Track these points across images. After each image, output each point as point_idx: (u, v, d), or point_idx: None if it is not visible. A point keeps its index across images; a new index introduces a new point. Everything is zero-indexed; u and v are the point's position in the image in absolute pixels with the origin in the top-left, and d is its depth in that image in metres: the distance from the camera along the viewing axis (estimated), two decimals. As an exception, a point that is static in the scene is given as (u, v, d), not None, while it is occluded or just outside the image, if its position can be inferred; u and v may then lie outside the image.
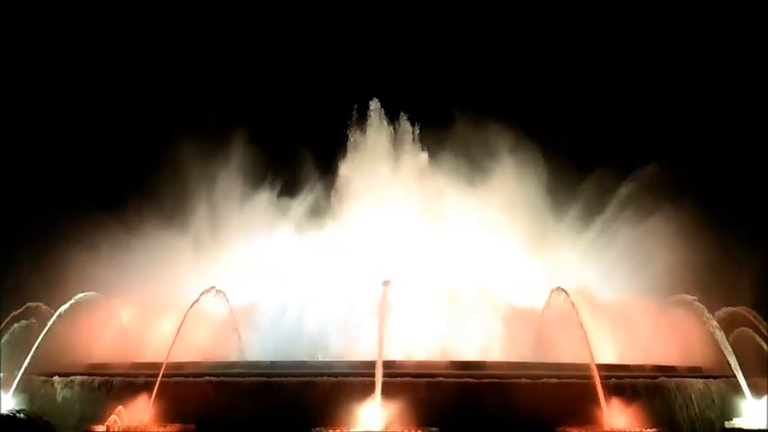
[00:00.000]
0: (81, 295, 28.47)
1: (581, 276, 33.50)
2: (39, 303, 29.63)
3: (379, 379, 21.20)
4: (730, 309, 29.34)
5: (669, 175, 36.93)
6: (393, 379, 22.88)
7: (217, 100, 42.22)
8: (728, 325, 28.24)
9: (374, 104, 38.66)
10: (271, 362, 25.79)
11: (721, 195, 37.06)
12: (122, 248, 35.01)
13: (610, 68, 45.21)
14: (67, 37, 44.20)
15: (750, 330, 28.27)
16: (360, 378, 22.63)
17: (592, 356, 22.97)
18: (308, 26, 47.54)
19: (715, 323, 26.65)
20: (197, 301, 25.47)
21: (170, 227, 36.72)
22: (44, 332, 27.07)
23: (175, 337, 24.00)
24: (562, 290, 26.27)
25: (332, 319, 29.51)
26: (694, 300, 28.00)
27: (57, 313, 27.55)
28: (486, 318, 30.27)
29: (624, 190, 37.72)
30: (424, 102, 39.10)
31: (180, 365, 24.59)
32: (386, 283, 24.63)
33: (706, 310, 27.19)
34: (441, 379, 23.71)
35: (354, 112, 38.54)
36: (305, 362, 26.02)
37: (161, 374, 22.91)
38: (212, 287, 26.79)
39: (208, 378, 24.01)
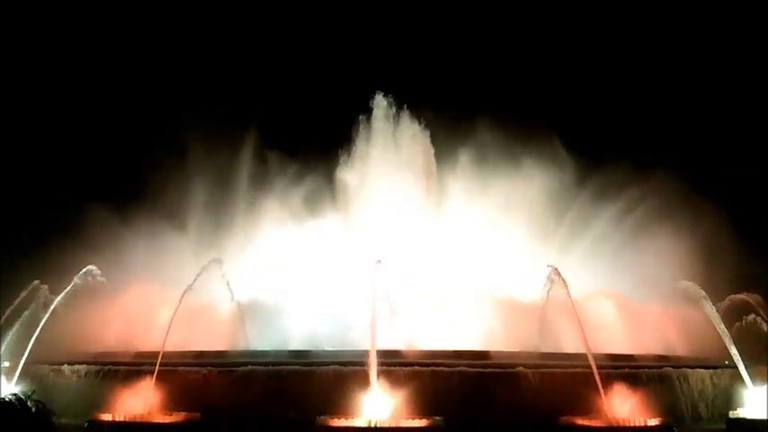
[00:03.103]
0: (83, 271, 28.50)
1: (584, 271, 33.73)
2: (42, 285, 29.49)
3: (373, 368, 21.24)
4: (736, 296, 29.25)
5: (674, 176, 36.90)
6: (397, 368, 23.20)
7: (219, 97, 42.33)
8: (734, 314, 28.21)
9: (379, 100, 38.78)
10: (275, 351, 25.89)
11: (725, 195, 37.10)
12: (125, 247, 34.97)
13: (616, 69, 45.45)
14: (71, 36, 44.38)
15: (757, 317, 28.15)
16: (363, 367, 22.63)
17: (587, 344, 23.00)
18: (313, 20, 47.72)
19: (716, 313, 26.54)
20: (197, 278, 25.41)
21: (172, 226, 36.72)
22: (48, 313, 27.01)
23: (170, 322, 23.79)
24: (556, 271, 26.13)
25: (336, 310, 29.55)
26: (694, 286, 27.82)
27: (60, 295, 27.52)
28: (489, 309, 30.33)
29: (630, 190, 37.61)
30: (429, 99, 39.23)
31: (185, 354, 24.69)
32: (377, 262, 24.53)
33: (709, 302, 27.06)
34: (444, 368, 23.81)
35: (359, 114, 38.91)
36: (308, 351, 26.05)
37: (162, 363, 22.98)
38: (212, 260, 26.67)
39: (213, 367, 24.17)
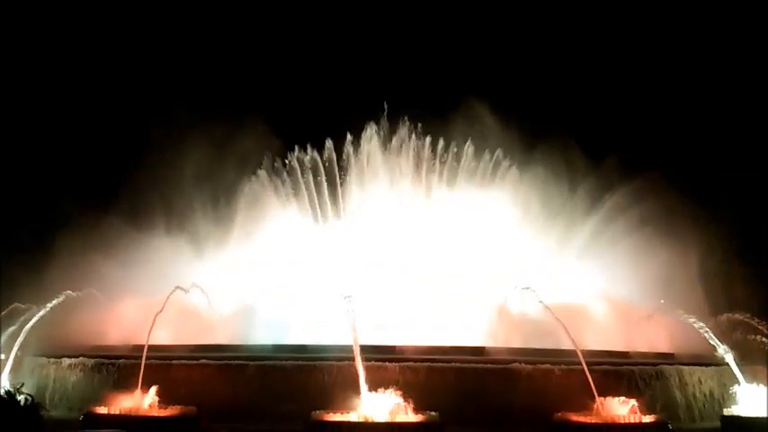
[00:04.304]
0: (59, 298, 28.04)
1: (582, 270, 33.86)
2: (20, 304, 29.15)
3: (359, 363, 21.20)
4: (729, 315, 29.15)
5: (670, 176, 36.80)
6: (392, 364, 23.30)
7: (219, 93, 42.24)
8: (728, 329, 28.14)
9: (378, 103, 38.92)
10: (272, 345, 25.92)
11: (723, 195, 37.06)
12: (122, 246, 34.87)
13: (615, 68, 45.57)
14: (71, 39, 44.22)
15: (752, 335, 27.94)
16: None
17: (575, 343, 23.05)
18: (314, 20, 47.80)
19: (705, 327, 26.43)
20: (163, 306, 24.58)
21: (172, 224, 36.66)
22: (29, 325, 26.67)
23: (152, 325, 23.60)
24: (529, 289, 26.38)
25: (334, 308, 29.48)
26: (681, 313, 27.73)
27: (44, 309, 27.21)
28: (487, 315, 30.41)
29: (623, 192, 37.49)
30: (429, 91, 39.27)
31: (182, 348, 24.77)
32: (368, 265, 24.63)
33: (690, 319, 26.94)
34: (440, 364, 23.91)
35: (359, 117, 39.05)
36: (305, 346, 26.02)
37: (158, 357, 23.23)
38: (176, 287, 25.83)
39: (210, 361, 24.23)
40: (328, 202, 38.76)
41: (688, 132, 42.54)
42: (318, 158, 39.17)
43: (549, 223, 37.36)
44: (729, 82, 43.95)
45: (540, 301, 25.79)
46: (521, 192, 36.78)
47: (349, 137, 38.67)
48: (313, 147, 39.43)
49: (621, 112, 43.52)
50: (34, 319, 27.04)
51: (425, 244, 34.20)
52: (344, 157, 38.49)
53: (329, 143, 39.19)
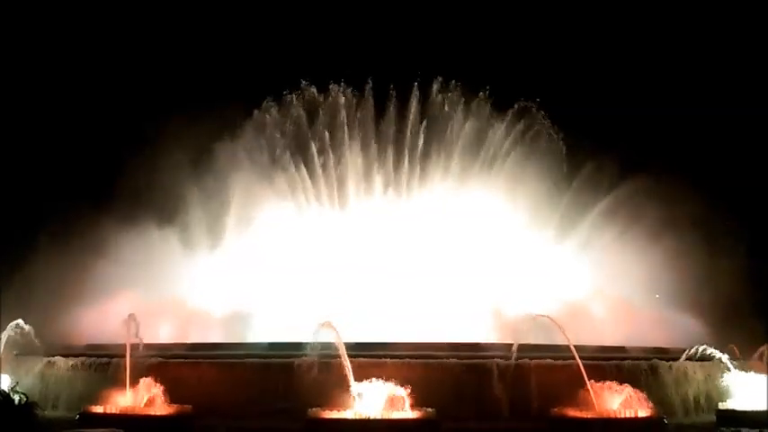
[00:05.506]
0: (11, 325, 26.86)
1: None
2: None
3: (345, 360, 21.09)
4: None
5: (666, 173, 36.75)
6: (389, 360, 23.28)
7: (208, 87, 41.96)
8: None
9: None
10: (268, 343, 25.90)
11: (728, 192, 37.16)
12: (114, 245, 34.69)
13: (618, 60, 45.44)
14: (63, 39, 43.93)
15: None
16: (356, 359, 22.55)
17: (569, 339, 23.01)
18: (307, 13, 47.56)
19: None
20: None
21: (161, 221, 36.54)
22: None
23: (128, 328, 23.08)
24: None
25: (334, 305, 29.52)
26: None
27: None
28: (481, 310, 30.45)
29: (617, 192, 37.34)
30: (421, 81, 39.24)
31: (178, 347, 24.75)
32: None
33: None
34: (437, 360, 23.93)
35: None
36: (300, 343, 25.96)
37: (154, 356, 23.18)
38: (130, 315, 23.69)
39: (205, 360, 24.23)
40: (324, 194, 38.59)
41: (691, 127, 42.50)
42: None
43: (549, 217, 37.29)
44: (729, 80, 44.01)
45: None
46: (519, 185, 36.66)
47: (346, 130, 38.61)
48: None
49: (624, 106, 43.50)
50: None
51: (420, 240, 34.10)
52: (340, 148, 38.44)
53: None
